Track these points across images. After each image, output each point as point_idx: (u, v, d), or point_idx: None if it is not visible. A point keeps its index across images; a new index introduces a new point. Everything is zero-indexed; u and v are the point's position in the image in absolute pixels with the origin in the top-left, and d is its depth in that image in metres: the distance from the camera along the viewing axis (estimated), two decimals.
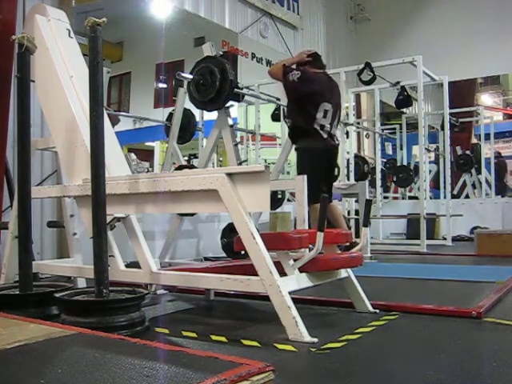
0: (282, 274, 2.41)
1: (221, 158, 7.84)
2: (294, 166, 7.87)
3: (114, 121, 5.79)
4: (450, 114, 8.38)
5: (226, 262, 3.58)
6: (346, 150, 7.20)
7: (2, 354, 1.58)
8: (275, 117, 6.64)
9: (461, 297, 3.31)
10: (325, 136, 4.21)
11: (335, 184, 4.94)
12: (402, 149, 10.04)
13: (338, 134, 4.86)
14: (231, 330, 2.50)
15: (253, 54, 8.59)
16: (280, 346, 2.14)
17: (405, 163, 9.77)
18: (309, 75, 4.22)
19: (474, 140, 13.59)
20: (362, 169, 7.76)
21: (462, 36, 10.78)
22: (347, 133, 7.45)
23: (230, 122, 4.31)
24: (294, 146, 4.46)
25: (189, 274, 2.67)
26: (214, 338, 2.31)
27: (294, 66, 4.32)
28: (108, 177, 2.58)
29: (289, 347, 2.12)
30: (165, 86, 8.09)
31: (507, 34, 10.55)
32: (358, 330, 2.39)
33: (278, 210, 5.53)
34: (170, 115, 5.25)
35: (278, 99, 5.01)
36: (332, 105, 4.22)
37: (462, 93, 12.92)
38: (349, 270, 2.82)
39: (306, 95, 4.15)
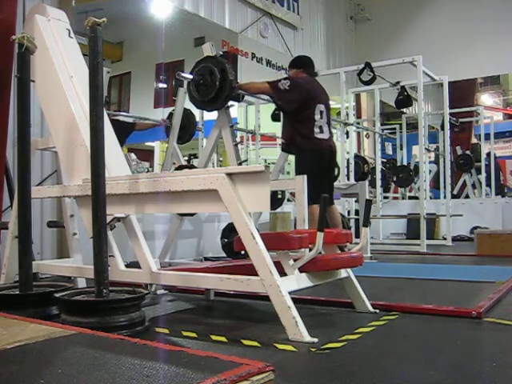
0: (282, 274, 2.41)
1: (221, 158, 7.84)
2: (294, 166, 7.87)
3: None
4: (450, 114, 8.38)
5: (226, 262, 3.58)
6: (346, 149, 7.19)
7: (1, 353, 1.58)
8: (275, 117, 6.63)
9: (461, 297, 3.30)
10: (326, 137, 4.26)
11: (335, 184, 4.95)
12: (401, 149, 10.04)
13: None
14: (231, 330, 2.50)
15: (253, 53, 8.59)
16: (280, 346, 2.14)
17: (405, 163, 9.77)
18: (297, 80, 4.29)
19: (474, 140, 13.61)
20: (362, 169, 7.76)
21: (462, 36, 10.79)
22: (347, 133, 7.44)
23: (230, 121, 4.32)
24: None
25: (189, 274, 2.67)
26: (214, 337, 2.31)
27: (279, 77, 4.41)
28: (108, 177, 2.58)
29: (289, 347, 2.12)
30: (165, 86, 8.09)
31: (507, 34, 10.56)
32: (357, 330, 2.38)
33: (278, 209, 5.53)
34: (170, 115, 5.25)
35: None
36: (324, 105, 4.29)
37: (462, 93, 12.93)
38: (349, 269, 2.82)
39: (302, 101, 4.18)
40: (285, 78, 4.30)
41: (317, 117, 4.22)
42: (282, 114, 4.71)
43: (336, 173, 5.78)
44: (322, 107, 4.26)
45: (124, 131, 5.73)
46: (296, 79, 4.30)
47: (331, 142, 4.41)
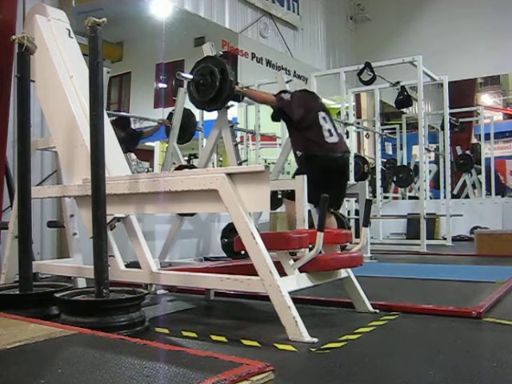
0: (282, 274, 2.41)
1: (221, 158, 7.84)
2: (294, 166, 7.87)
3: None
4: (450, 114, 8.38)
5: (226, 262, 3.57)
6: None
7: (2, 353, 1.58)
8: (275, 117, 6.63)
9: (461, 297, 3.31)
10: (336, 140, 4.28)
11: None
12: (402, 149, 10.04)
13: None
14: (231, 330, 2.50)
15: (253, 53, 8.59)
16: (280, 346, 2.14)
17: (405, 163, 9.76)
18: (295, 93, 4.47)
19: (474, 140, 13.61)
20: (362, 169, 7.76)
21: (462, 36, 10.79)
22: (347, 133, 7.44)
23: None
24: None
25: (189, 274, 2.67)
26: (214, 337, 2.31)
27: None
28: (108, 177, 2.58)
29: (289, 347, 2.12)
30: (165, 86, 8.09)
31: (507, 33, 10.56)
32: (357, 330, 2.39)
33: (278, 210, 5.53)
34: (170, 115, 5.25)
35: None
36: (325, 112, 4.36)
37: (462, 93, 12.93)
38: (349, 269, 2.82)
39: (304, 110, 4.25)
40: (283, 92, 4.40)
41: (322, 122, 4.28)
42: (288, 126, 4.68)
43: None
44: (323, 114, 4.34)
45: (134, 139, 5.97)
46: (294, 92, 4.47)
47: (343, 145, 4.43)
